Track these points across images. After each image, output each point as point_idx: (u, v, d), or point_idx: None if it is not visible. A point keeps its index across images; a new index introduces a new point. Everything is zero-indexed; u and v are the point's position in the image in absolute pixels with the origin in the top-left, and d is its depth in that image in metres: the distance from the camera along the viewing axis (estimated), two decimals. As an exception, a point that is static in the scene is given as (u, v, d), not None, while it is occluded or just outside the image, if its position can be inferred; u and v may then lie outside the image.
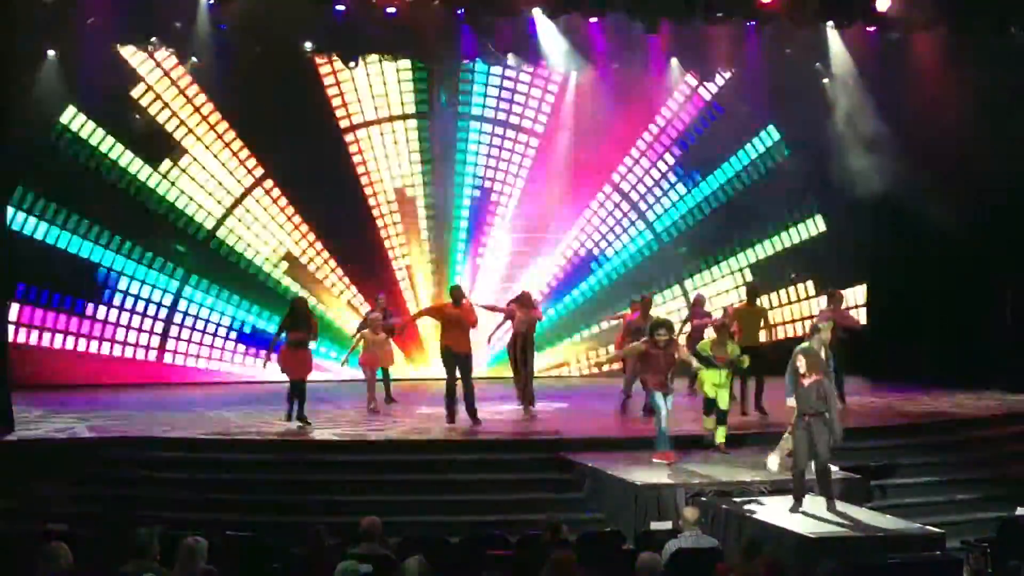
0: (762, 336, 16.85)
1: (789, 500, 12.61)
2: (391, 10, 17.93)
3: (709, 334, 16.40)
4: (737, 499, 12.98)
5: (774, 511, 12.45)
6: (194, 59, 19.53)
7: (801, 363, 12.36)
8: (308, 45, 19.83)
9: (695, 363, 15.09)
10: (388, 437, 15.73)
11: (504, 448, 15.36)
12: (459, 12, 18.20)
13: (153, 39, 19.22)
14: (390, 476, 14.50)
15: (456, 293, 16.42)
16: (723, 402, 15.00)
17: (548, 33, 19.57)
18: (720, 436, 14.96)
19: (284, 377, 16.16)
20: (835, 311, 17.19)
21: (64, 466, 14.35)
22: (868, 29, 19.32)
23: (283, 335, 16.08)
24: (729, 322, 16.02)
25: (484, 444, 15.47)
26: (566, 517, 11.83)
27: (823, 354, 12.61)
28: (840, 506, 12.65)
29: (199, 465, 14.70)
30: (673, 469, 13.92)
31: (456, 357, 16.03)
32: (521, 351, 16.98)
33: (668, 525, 12.14)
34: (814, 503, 12.52)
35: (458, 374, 16.02)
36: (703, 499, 12.81)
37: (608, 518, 13.53)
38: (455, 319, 16.10)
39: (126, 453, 14.81)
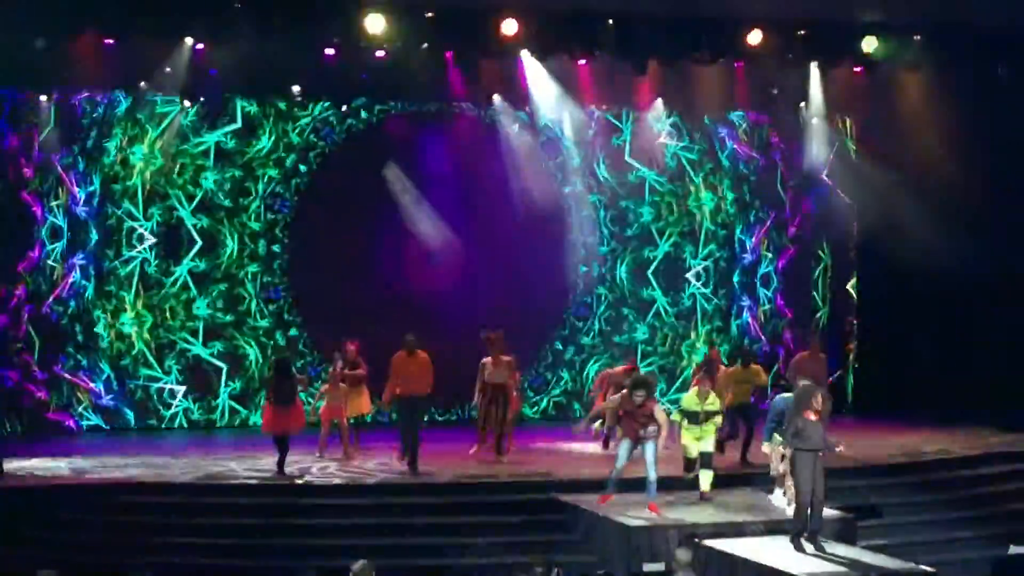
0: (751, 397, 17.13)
1: (783, 540, 12.62)
2: (380, 54, 18.04)
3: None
4: (730, 540, 12.97)
5: (768, 552, 12.44)
6: (186, 103, 19.59)
7: (817, 401, 12.43)
8: (296, 89, 19.90)
9: (675, 417, 15.02)
10: (379, 480, 15.72)
11: (496, 490, 15.35)
12: (447, 55, 18.30)
13: (143, 84, 19.26)
14: (382, 519, 14.48)
15: (412, 344, 16.46)
16: (708, 446, 14.89)
17: (536, 75, 19.69)
18: (705, 483, 14.79)
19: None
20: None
21: (54, 511, 14.33)
22: (855, 69, 19.44)
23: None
24: (724, 383, 16.32)
25: (476, 486, 15.46)
26: (559, 559, 11.84)
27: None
28: (833, 546, 12.67)
29: (189, 509, 14.65)
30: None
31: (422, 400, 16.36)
32: (491, 403, 17.04)
33: (661, 567, 12.10)
34: (807, 543, 12.52)
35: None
36: (696, 540, 12.78)
37: (601, 560, 13.50)
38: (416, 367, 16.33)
39: (116, 498, 14.78)
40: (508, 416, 17.03)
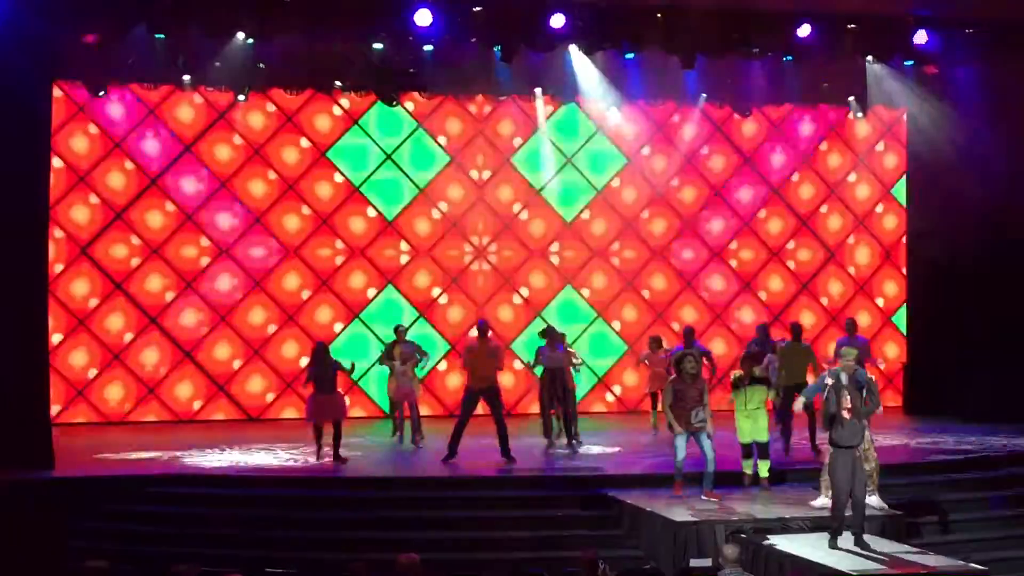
0: (809, 376, 16.98)
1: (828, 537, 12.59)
2: (428, 48, 18.10)
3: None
4: (777, 536, 12.95)
5: (815, 548, 12.41)
6: (240, 97, 19.86)
7: (846, 399, 12.38)
8: (337, 83, 20.00)
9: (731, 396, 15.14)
10: (427, 474, 15.81)
11: (543, 485, 15.38)
12: (495, 49, 18.32)
13: (187, 77, 19.45)
14: (429, 512, 14.55)
15: (484, 327, 16.70)
16: (762, 434, 14.97)
17: (584, 69, 19.72)
18: (763, 470, 14.95)
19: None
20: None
21: (105, 503, 14.48)
22: (906, 63, 19.29)
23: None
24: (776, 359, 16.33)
25: (524, 481, 15.51)
26: (605, 554, 11.85)
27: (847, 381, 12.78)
28: (881, 543, 12.61)
29: (239, 501, 14.80)
30: (711, 505, 14.00)
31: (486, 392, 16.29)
32: (549, 389, 17.17)
33: (708, 563, 12.14)
34: (852, 541, 12.48)
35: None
36: (743, 536, 12.77)
37: (647, 555, 13.51)
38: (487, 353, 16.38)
39: (166, 489, 14.93)
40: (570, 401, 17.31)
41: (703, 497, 14.23)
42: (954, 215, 20.25)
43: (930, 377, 21.13)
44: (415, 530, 14.02)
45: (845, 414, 12.36)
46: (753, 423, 14.88)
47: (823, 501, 13.74)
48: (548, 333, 17.53)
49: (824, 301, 22.71)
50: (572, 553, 12.39)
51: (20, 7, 14.96)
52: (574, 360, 17.45)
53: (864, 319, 22.38)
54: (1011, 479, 16.07)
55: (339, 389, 16.42)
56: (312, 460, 16.23)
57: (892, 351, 22.58)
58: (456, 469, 15.96)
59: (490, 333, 16.92)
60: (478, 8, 17.17)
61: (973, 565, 12.18)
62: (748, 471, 14.94)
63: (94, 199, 20.28)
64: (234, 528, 14.10)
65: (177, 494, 14.87)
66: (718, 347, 21.53)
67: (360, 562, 10.17)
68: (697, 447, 14.33)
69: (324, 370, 16.16)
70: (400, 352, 17.66)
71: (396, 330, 18.16)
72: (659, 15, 17.62)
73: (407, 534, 13.74)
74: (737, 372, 15.17)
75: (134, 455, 16.75)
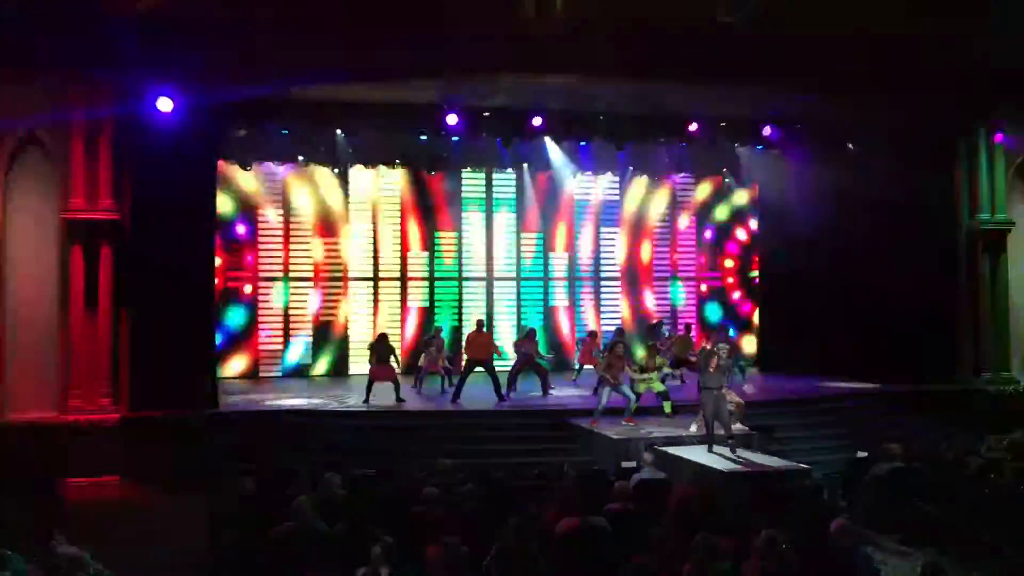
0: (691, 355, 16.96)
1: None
2: (455, 139, 18.05)
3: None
4: (676, 447, 12.96)
5: (702, 455, 12.43)
6: (335, 170, 19.78)
7: (713, 361, 12.48)
8: (397, 161, 19.86)
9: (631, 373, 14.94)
10: (448, 409, 15.71)
11: (527, 415, 15.36)
12: (498, 140, 18.42)
13: (300, 158, 19.35)
14: (454, 435, 14.45)
15: (481, 323, 17.13)
16: (659, 386, 14.91)
17: (554, 151, 19.86)
18: (668, 408, 14.92)
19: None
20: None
21: (245, 433, 14.21)
22: (758, 148, 19.32)
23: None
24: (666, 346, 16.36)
25: (513, 413, 15.47)
26: (569, 460, 11.83)
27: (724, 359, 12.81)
28: (745, 453, 12.63)
29: (331, 429, 14.58)
30: (630, 428, 13.96)
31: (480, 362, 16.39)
32: (521, 369, 16.96)
33: (634, 464, 12.13)
34: (721, 449, 12.49)
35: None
36: (656, 447, 12.78)
37: (596, 460, 13.48)
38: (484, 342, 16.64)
39: (297, 420, 14.71)
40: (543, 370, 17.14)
41: (623, 423, 14.17)
42: (793, 241, 20.17)
43: (776, 343, 21.05)
44: (446, 445, 13.78)
45: (711, 369, 12.48)
46: (648, 385, 14.83)
47: (695, 428, 13.71)
48: (527, 332, 17.41)
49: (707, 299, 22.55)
50: (546, 459, 12.36)
51: (193, 110, 14.91)
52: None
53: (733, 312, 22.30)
54: (830, 410, 16.08)
55: (392, 362, 16.34)
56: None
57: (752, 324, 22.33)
58: (465, 405, 15.81)
59: (484, 328, 17.14)
60: (487, 113, 17.23)
61: (803, 465, 12.20)
62: (634, 407, 14.61)
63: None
64: (329, 449, 13.63)
65: (301, 424, 14.63)
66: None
67: (412, 467, 10.14)
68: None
69: (384, 349, 16.24)
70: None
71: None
72: (601, 117, 17.70)
73: (440, 447, 13.59)
74: (655, 359, 14.94)
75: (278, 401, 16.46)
